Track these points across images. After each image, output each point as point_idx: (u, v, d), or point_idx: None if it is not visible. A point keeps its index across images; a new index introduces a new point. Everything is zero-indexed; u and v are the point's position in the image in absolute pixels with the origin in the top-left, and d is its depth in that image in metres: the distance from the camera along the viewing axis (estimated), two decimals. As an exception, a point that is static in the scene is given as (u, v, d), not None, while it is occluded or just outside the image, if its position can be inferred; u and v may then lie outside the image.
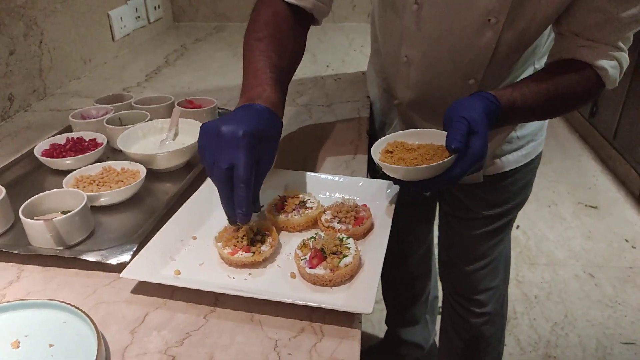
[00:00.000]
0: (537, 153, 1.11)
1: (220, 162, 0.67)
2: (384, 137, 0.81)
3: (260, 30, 0.86)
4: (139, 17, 1.90)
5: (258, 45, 0.84)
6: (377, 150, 0.79)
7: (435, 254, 1.53)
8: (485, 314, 1.29)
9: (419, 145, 0.79)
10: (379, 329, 1.85)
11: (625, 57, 0.84)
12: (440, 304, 1.50)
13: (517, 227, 2.49)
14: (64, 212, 0.77)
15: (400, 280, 1.54)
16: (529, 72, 0.97)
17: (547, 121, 1.10)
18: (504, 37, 0.85)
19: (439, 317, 1.52)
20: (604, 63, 0.82)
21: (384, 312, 1.68)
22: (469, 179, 1.08)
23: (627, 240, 2.40)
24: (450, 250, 1.28)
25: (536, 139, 1.08)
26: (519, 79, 0.90)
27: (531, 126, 1.05)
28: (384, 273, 0.68)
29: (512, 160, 1.07)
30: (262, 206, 0.77)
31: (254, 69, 0.80)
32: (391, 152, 0.78)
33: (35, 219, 0.74)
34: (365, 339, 1.83)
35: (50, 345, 0.59)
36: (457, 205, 1.19)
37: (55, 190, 0.82)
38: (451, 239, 1.26)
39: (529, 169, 1.12)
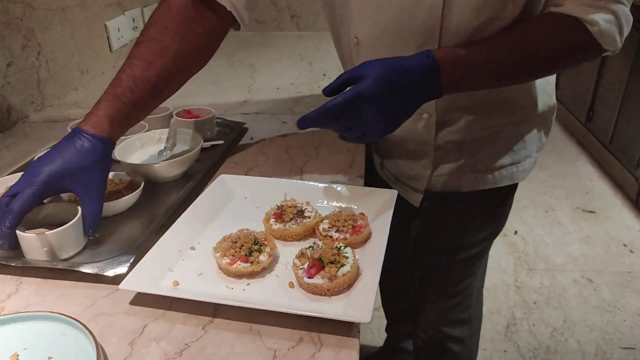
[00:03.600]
0: (502, 185, 1.00)
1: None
2: None
3: (145, 31, 0.85)
4: (136, 27, 1.91)
5: (134, 50, 0.83)
6: None
7: None
8: (452, 350, 1.25)
9: None
10: (378, 336, 1.84)
11: (625, 12, 0.72)
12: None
13: (515, 232, 2.50)
14: (59, 225, 0.76)
15: (397, 294, 1.53)
16: None
17: (524, 150, 0.98)
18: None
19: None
20: (596, 15, 0.71)
21: (384, 320, 1.68)
22: (410, 196, 1.04)
23: (625, 245, 2.41)
24: (420, 278, 1.22)
25: (496, 164, 0.97)
26: None
27: (487, 153, 0.96)
28: (381, 284, 0.68)
29: (466, 182, 0.99)
30: (96, 234, 0.79)
31: (113, 81, 0.82)
32: None
33: (28, 232, 0.73)
34: (365, 347, 1.83)
35: (50, 358, 0.59)
36: (426, 233, 1.14)
37: (52, 202, 0.82)
38: (422, 268, 1.21)
39: (500, 201, 1.06)
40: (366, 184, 0.99)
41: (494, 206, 1.07)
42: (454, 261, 1.13)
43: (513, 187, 1.05)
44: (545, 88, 0.97)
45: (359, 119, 0.73)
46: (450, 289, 1.17)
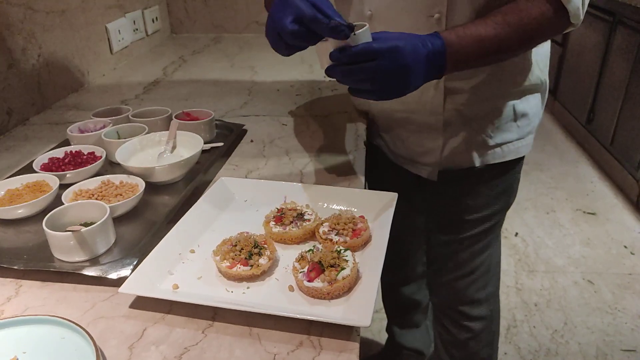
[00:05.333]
0: (513, 158, 1.07)
1: None
2: None
3: None
4: (136, 29, 1.91)
5: None
6: None
7: None
8: (472, 329, 1.26)
9: None
10: (379, 338, 1.84)
11: None
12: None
13: (516, 234, 2.50)
14: (85, 224, 0.77)
15: (399, 286, 1.53)
16: None
17: (528, 126, 1.06)
18: None
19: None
20: None
21: (384, 322, 1.68)
22: (424, 172, 1.10)
23: (625, 247, 2.40)
24: (434, 259, 1.26)
25: (504, 139, 1.05)
26: None
27: (493, 128, 1.03)
28: (383, 278, 0.68)
29: (476, 157, 1.05)
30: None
31: None
32: None
33: (68, 230, 0.74)
34: (365, 347, 1.82)
35: (49, 362, 0.59)
36: (438, 210, 1.19)
37: (78, 202, 0.83)
38: (435, 247, 1.25)
39: (508, 174, 1.11)
40: (367, 187, 0.99)
41: (503, 180, 1.12)
42: (468, 237, 1.16)
43: (520, 160, 1.11)
44: (539, 62, 1.02)
45: (381, 71, 0.73)
46: (467, 266, 1.19)
